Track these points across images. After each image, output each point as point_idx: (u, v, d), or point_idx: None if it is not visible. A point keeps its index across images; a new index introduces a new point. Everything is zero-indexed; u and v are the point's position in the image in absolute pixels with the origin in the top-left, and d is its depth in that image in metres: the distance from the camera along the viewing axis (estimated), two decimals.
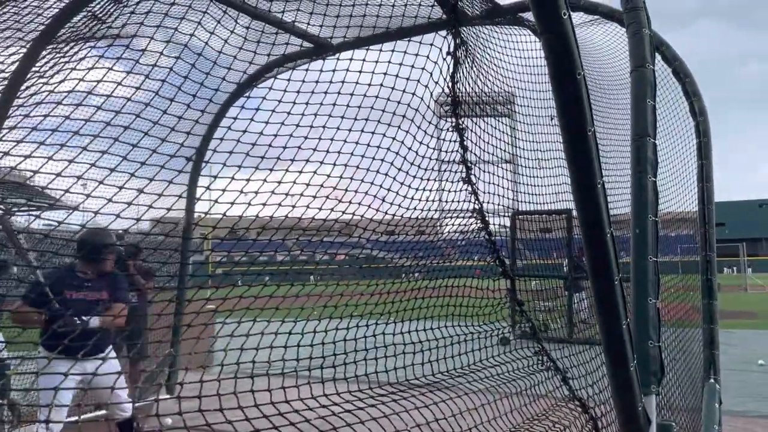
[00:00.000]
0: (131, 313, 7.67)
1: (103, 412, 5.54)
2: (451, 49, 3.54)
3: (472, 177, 3.78)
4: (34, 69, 3.50)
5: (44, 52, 3.70)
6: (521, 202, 4.67)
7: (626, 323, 2.59)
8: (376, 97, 3.39)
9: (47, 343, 4.48)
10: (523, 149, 4.68)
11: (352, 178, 3.22)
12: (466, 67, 3.74)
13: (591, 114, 2.41)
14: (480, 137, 3.99)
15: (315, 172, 3.08)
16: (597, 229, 2.49)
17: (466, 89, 3.80)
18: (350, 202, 3.19)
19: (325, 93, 3.28)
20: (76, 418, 4.81)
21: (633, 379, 2.69)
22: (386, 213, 3.50)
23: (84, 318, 4.65)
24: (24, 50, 3.88)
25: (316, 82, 3.29)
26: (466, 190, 3.77)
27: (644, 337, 3.20)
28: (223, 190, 2.76)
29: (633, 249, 3.42)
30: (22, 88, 3.34)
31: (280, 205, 2.97)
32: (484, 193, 3.90)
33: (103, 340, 4.92)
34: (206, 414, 2.32)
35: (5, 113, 3.93)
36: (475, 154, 3.87)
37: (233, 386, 2.59)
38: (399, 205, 3.57)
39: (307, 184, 3.04)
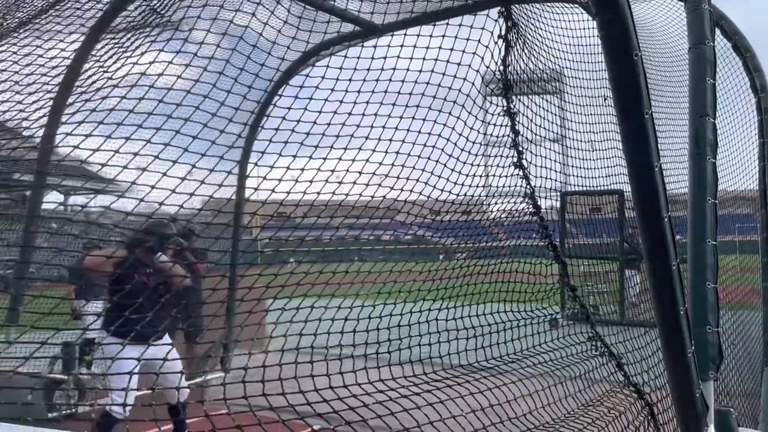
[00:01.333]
0: (185, 293, 7.93)
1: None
2: (503, 33, 3.49)
3: (524, 162, 3.74)
4: (94, 60, 3.61)
5: (102, 43, 3.81)
6: (569, 185, 4.60)
7: (684, 309, 2.54)
8: (427, 83, 3.38)
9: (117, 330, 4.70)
10: (573, 130, 4.60)
11: (403, 166, 3.23)
12: (517, 50, 3.68)
13: (648, 95, 2.36)
14: (531, 120, 3.93)
15: (368, 161, 3.10)
16: (654, 214, 2.45)
17: (517, 72, 3.75)
18: (402, 190, 3.20)
19: (377, 81, 3.28)
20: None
21: (690, 365, 2.65)
22: (437, 200, 3.50)
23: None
24: (82, 38, 4.00)
25: (368, 69, 3.30)
26: (517, 174, 3.73)
27: (702, 322, 3.13)
28: (271, 167, 2.82)
29: (691, 232, 3.34)
30: (83, 78, 3.46)
31: (326, 181, 3.00)
32: (536, 177, 3.86)
33: (164, 325, 5.14)
34: (257, 397, 2.38)
35: (65, 101, 4.06)
36: (527, 138, 3.82)
37: (288, 369, 2.66)
38: (449, 192, 3.57)
39: (361, 171, 3.06)
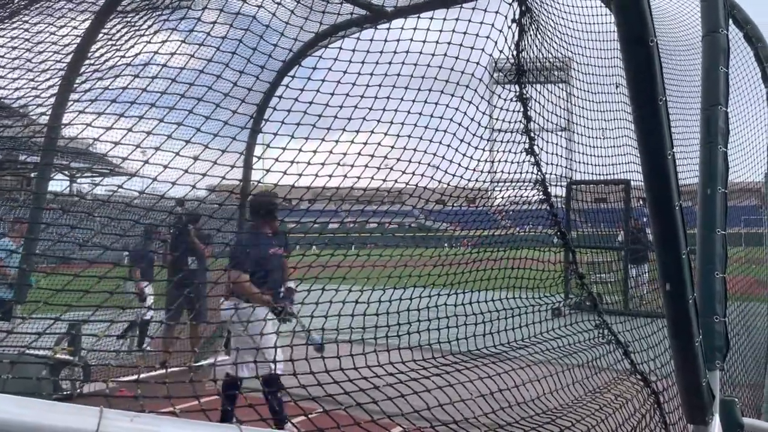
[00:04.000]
0: (191, 277, 7.97)
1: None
2: (516, 17, 3.46)
3: (535, 148, 3.73)
4: (105, 38, 3.60)
5: (113, 22, 3.79)
6: (578, 172, 4.58)
7: (692, 298, 2.54)
8: (440, 67, 3.36)
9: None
10: (585, 117, 4.57)
11: (415, 150, 3.22)
12: (530, 35, 3.66)
13: (663, 82, 2.34)
14: (543, 106, 3.91)
15: (380, 144, 3.08)
16: (665, 202, 2.43)
17: (530, 57, 3.72)
18: (413, 174, 3.19)
19: (389, 63, 3.27)
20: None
21: (698, 355, 2.64)
22: (448, 184, 3.49)
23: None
24: (93, 16, 3.98)
25: (380, 52, 3.28)
26: (528, 161, 3.72)
27: (709, 311, 3.13)
28: (283, 149, 2.81)
29: (700, 221, 3.33)
30: (95, 56, 3.44)
31: (337, 165, 3.00)
32: (546, 164, 3.84)
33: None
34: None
35: (76, 79, 4.03)
36: (538, 124, 3.80)
37: (298, 351, 2.68)
38: (460, 177, 3.56)
39: (372, 154, 3.05)
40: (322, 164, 2.80)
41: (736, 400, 3.19)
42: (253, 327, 4.26)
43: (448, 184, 3.50)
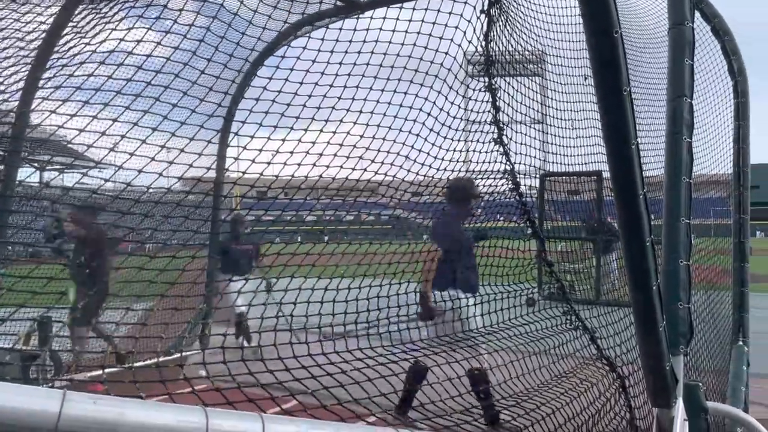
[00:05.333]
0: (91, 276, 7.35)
1: None
2: (485, 7, 3.49)
3: (504, 138, 3.76)
4: (71, 25, 3.54)
5: (80, 9, 3.73)
6: (551, 163, 4.64)
7: (656, 284, 2.59)
8: (409, 56, 3.37)
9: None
10: (555, 109, 4.62)
11: (384, 139, 3.23)
12: (499, 26, 3.69)
13: (627, 73, 2.38)
14: (513, 97, 3.95)
15: (349, 133, 3.09)
16: (630, 191, 2.48)
17: (499, 48, 3.76)
18: (382, 162, 3.21)
19: (359, 53, 3.27)
20: None
21: (662, 340, 2.70)
22: (417, 174, 3.51)
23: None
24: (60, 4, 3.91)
25: (350, 41, 3.28)
26: (497, 150, 3.76)
27: (674, 298, 3.20)
28: (251, 137, 2.79)
29: (666, 210, 3.39)
30: (60, 44, 3.38)
31: (306, 153, 2.99)
32: (516, 154, 3.88)
33: None
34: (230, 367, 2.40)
35: (41, 67, 3.96)
36: (507, 115, 3.84)
37: (267, 341, 2.68)
38: (430, 166, 3.58)
39: (342, 143, 3.05)
40: (291, 152, 2.80)
41: (700, 384, 3.26)
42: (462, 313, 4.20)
43: (417, 173, 3.53)
